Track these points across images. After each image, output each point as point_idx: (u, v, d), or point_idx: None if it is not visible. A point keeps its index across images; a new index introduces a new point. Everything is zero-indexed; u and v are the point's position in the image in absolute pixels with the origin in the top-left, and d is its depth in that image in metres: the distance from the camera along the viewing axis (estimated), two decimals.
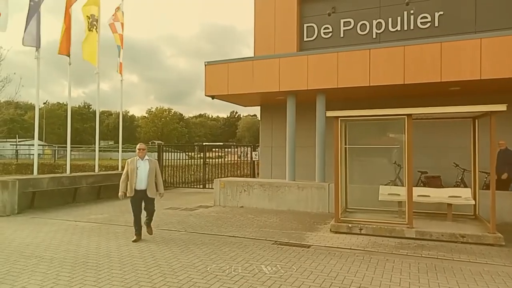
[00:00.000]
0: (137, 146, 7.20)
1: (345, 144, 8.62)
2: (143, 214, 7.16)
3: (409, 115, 7.26)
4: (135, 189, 6.97)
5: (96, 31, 12.98)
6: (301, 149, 12.23)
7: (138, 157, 7.08)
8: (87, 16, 12.75)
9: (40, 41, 11.23)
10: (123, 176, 7.09)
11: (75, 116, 43.27)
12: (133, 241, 6.91)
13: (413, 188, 7.45)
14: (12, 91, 23.57)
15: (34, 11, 11.09)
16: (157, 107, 78.36)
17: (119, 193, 7.04)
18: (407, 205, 7.29)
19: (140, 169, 7.01)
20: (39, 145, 16.59)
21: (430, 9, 11.62)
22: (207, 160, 16.84)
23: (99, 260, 5.78)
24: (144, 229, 7.21)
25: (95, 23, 12.90)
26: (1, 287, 4.72)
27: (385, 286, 4.82)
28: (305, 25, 13.19)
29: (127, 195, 7.03)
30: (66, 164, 13.39)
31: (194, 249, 6.43)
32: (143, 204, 7.13)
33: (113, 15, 14.11)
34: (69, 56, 12.07)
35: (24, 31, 11.02)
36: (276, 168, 13.49)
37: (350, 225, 7.64)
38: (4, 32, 10.60)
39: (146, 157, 7.15)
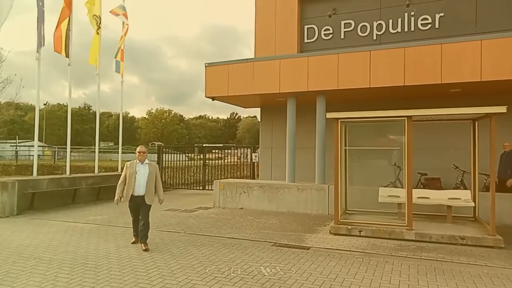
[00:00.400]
0: (137, 149, 6.83)
1: (345, 146, 8.62)
2: None
3: (409, 117, 7.26)
4: (132, 195, 6.65)
5: (99, 33, 12.98)
6: (301, 150, 12.22)
7: (137, 161, 6.73)
8: (93, 15, 12.69)
9: (41, 42, 11.20)
10: (120, 180, 6.75)
11: (75, 117, 43.29)
12: (132, 243, 6.87)
13: (413, 190, 7.44)
14: (12, 92, 23.70)
15: (40, 12, 11.08)
16: (157, 108, 78.49)
17: (115, 198, 6.76)
18: (407, 207, 7.28)
19: (139, 173, 6.65)
20: (39, 146, 16.57)
21: (431, 11, 11.61)
22: (207, 161, 16.86)
23: (98, 262, 5.77)
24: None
25: (100, 24, 12.92)
26: None
27: None
28: (306, 27, 13.19)
29: (122, 201, 6.74)
30: (65, 165, 13.37)
31: (193, 251, 6.42)
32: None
33: (123, 14, 13.94)
34: (67, 56, 12.01)
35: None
36: (276, 170, 13.48)
37: (349, 227, 7.62)
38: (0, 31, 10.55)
39: (146, 160, 6.78)
